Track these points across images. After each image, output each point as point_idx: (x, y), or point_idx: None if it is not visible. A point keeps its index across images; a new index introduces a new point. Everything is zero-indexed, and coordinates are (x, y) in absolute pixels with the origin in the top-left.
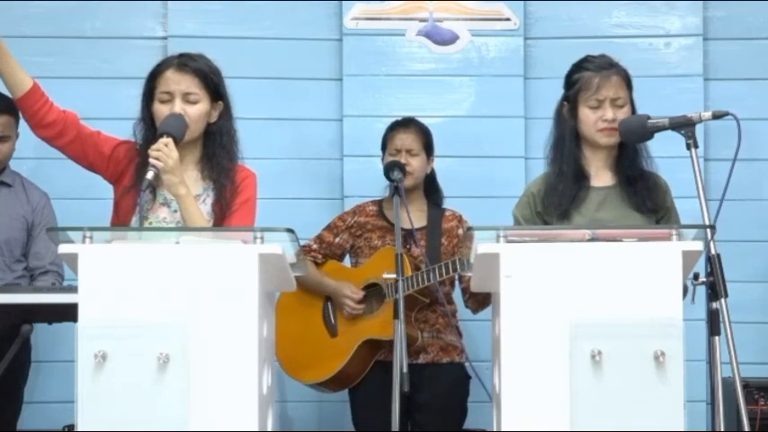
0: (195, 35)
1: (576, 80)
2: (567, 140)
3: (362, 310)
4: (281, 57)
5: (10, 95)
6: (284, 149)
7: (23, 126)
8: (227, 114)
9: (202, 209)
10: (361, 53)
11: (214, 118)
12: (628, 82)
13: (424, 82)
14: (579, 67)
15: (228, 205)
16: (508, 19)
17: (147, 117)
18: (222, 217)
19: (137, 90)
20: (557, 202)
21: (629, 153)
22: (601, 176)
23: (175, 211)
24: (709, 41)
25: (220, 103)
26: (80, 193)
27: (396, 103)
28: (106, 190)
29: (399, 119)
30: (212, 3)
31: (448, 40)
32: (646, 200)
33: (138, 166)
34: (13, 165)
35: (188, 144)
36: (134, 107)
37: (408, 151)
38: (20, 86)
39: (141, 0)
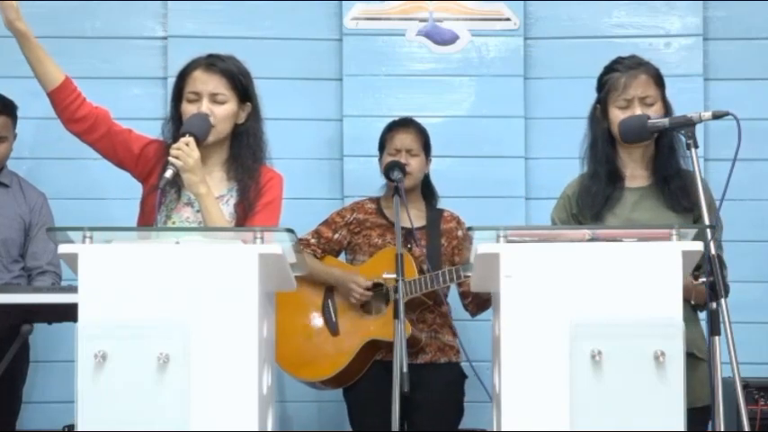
0: (195, 35)
1: (606, 81)
2: (600, 142)
3: (371, 297)
4: (281, 57)
5: (43, 89)
6: (284, 149)
7: (20, 127)
8: (255, 116)
9: (225, 209)
10: (361, 53)
11: (242, 119)
12: (657, 80)
13: (424, 82)
14: (609, 68)
15: (252, 206)
16: (508, 19)
17: (176, 117)
18: (245, 218)
19: (137, 90)
20: (590, 203)
21: (664, 152)
22: (636, 177)
23: (198, 211)
24: (709, 41)
25: (248, 104)
26: (78, 193)
27: (396, 103)
28: (105, 190)
29: (397, 119)
30: (212, 3)
31: (448, 40)
32: (680, 199)
33: (165, 166)
34: (10, 165)
35: (215, 145)
36: (134, 107)
37: (408, 151)
38: (51, 80)
39: (141, 0)
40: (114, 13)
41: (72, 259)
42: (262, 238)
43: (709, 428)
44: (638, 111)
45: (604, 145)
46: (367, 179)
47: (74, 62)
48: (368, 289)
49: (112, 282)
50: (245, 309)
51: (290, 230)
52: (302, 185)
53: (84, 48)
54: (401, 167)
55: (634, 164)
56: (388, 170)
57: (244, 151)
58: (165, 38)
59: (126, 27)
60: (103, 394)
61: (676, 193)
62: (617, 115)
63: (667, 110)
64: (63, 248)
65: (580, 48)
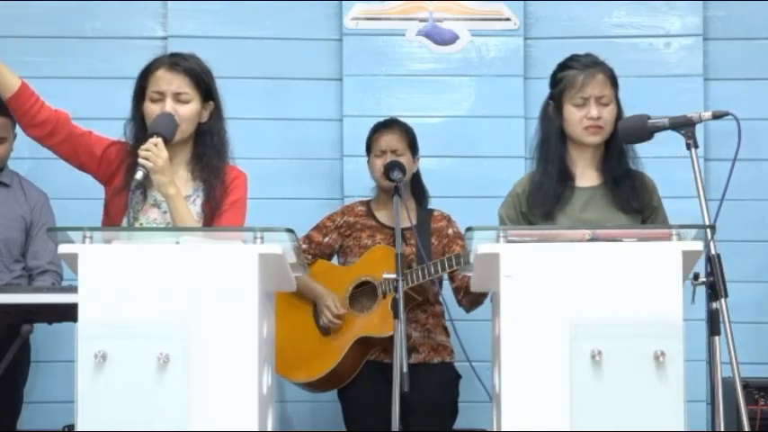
0: (195, 35)
1: (561, 78)
2: (553, 139)
3: (341, 323)
4: (282, 57)
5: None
6: (284, 149)
7: (19, 127)
8: (217, 114)
9: (192, 209)
10: (361, 53)
11: (205, 118)
12: (613, 80)
13: (424, 82)
14: (564, 65)
15: (218, 205)
16: (508, 19)
17: (138, 116)
18: (212, 217)
19: None
20: (541, 201)
21: (614, 152)
22: (586, 176)
23: (165, 212)
24: (709, 41)
25: (211, 103)
26: (78, 193)
27: (396, 103)
28: (102, 190)
29: (381, 120)
30: (212, 3)
31: (448, 40)
32: (631, 200)
33: (129, 167)
34: (11, 165)
35: (178, 144)
36: None
37: (394, 151)
38: (7, 87)
39: (141, 0)
40: (114, 13)
41: (72, 259)
42: (262, 238)
43: (708, 428)
44: (593, 110)
45: (557, 143)
46: (367, 179)
47: (74, 62)
48: (356, 287)
49: (112, 282)
50: (245, 309)
51: (290, 230)
52: (302, 185)
53: (84, 48)
54: (401, 167)
55: (584, 163)
56: (388, 170)
57: (208, 150)
58: (165, 38)
59: (126, 27)
60: (103, 394)
61: (627, 194)
62: (572, 113)
63: (620, 110)
64: (63, 248)
65: (580, 48)
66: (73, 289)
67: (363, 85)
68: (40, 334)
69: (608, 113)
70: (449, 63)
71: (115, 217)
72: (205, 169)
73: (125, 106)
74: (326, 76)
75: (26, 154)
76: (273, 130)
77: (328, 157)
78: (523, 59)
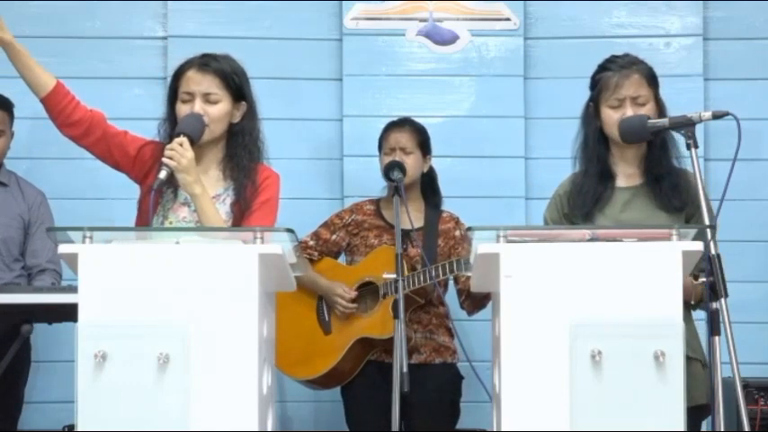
0: (195, 35)
1: (598, 80)
2: (592, 141)
3: (356, 309)
4: (281, 57)
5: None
6: (284, 149)
7: (17, 127)
8: (250, 114)
9: (221, 209)
10: (361, 53)
11: (237, 118)
12: (650, 79)
13: (424, 82)
14: (602, 67)
15: (248, 205)
16: (508, 19)
17: (171, 117)
18: (241, 217)
19: (137, 90)
20: (581, 203)
21: (656, 151)
22: (628, 176)
23: (195, 210)
24: (709, 41)
25: (243, 103)
26: (77, 193)
27: (396, 103)
28: (101, 190)
29: (395, 119)
30: (212, 3)
31: (448, 40)
32: (672, 198)
33: (160, 166)
34: (8, 165)
35: (210, 144)
36: (134, 107)
37: (402, 149)
38: (42, 86)
39: (141, 0)
40: (114, 13)
41: (72, 259)
42: (262, 238)
43: (708, 428)
44: (629, 110)
45: (596, 144)
46: (367, 179)
47: (74, 62)
48: (353, 299)
49: (112, 282)
50: (245, 309)
51: (290, 230)
52: (302, 185)
53: (84, 48)
54: (401, 167)
55: (626, 163)
56: (387, 170)
57: (239, 150)
58: (165, 38)
59: (126, 27)
60: (103, 394)
61: (668, 193)
62: (609, 115)
63: (661, 109)
64: (63, 248)
65: (580, 48)
66: (73, 289)
67: (363, 85)
68: (40, 334)
69: (646, 113)
70: (449, 63)
71: (147, 215)
72: (236, 169)
73: (125, 106)
74: (326, 76)
75: (23, 154)
76: (273, 129)
77: (328, 156)
78: (523, 59)
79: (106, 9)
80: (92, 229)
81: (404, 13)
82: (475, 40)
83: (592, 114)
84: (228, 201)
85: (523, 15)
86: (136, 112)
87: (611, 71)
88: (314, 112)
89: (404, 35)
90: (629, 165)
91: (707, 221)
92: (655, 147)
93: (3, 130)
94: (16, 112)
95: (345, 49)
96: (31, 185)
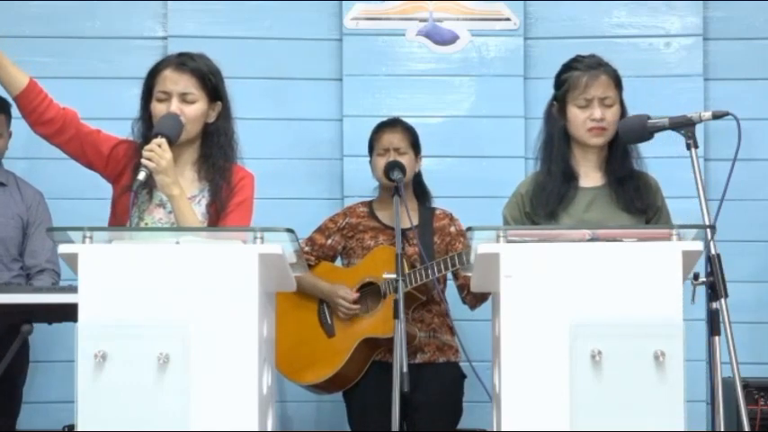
0: (195, 35)
1: (565, 80)
2: (556, 140)
3: (358, 310)
4: (282, 57)
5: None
6: (284, 149)
7: (15, 126)
8: (225, 115)
9: (197, 210)
10: (361, 53)
11: (212, 118)
12: (617, 81)
13: (424, 82)
14: (568, 66)
15: (224, 206)
16: (508, 19)
17: (146, 116)
18: (217, 218)
19: (137, 90)
20: (544, 201)
21: (618, 153)
22: (590, 177)
23: (171, 212)
24: (709, 41)
25: (219, 103)
26: (74, 193)
27: (396, 103)
28: (100, 190)
29: (385, 120)
30: (212, 3)
31: (448, 40)
32: (634, 200)
33: (136, 166)
34: (6, 165)
35: (185, 144)
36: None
37: (396, 150)
38: (15, 84)
39: (141, 0)
40: (114, 13)
41: (72, 259)
42: (262, 238)
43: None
44: (597, 111)
45: (560, 143)
46: (367, 179)
47: (74, 62)
48: (355, 301)
49: (112, 282)
50: (245, 309)
51: (290, 230)
52: (302, 185)
53: (84, 48)
54: (401, 167)
55: (588, 164)
56: (388, 170)
57: (215, 151)
58: (165, 38)
59: (126, 27)
60: (103, 394)
61: (631, 195)
62: (576, 114)
63: (624, 111)
64: (63, 248)
65: (580, 48)
66: (73, 289)
67: (363, 85)
68: (40, 334)
69: (611, 114)
70: (449, 63)
71: (122, 216)
72: (211, 170)
73: (125, 106)
74: (326, 76)
75: (21, 154)
76: (273, 130)
77: (328, 157)
78: (523, 59)
79: (106, 9)
80: (92, 229)
81: (404, 13)
82: (475, 40)
83: (556, 113)
84: (204, 202)
85: (523, 15)
86: (135, 113)
87: (579, 71)
88: (314, 112)
89: (404, 35)
90: (591, 165)
91: (707, 221)
92: (617, 148)
93: (0, 130)
94: (13, 112)
95: (345, 49)
96: (29, 185)
